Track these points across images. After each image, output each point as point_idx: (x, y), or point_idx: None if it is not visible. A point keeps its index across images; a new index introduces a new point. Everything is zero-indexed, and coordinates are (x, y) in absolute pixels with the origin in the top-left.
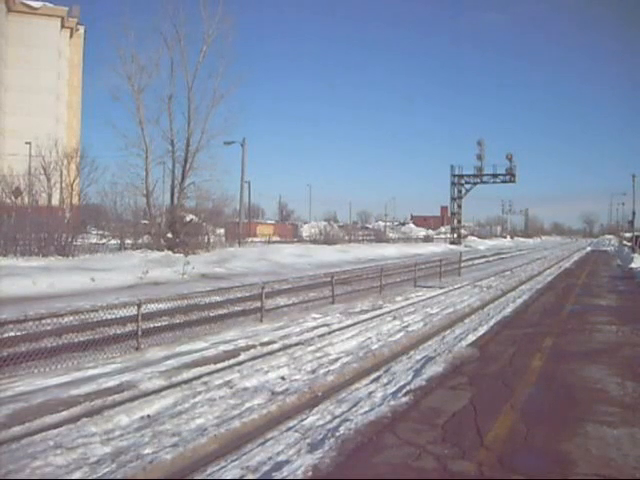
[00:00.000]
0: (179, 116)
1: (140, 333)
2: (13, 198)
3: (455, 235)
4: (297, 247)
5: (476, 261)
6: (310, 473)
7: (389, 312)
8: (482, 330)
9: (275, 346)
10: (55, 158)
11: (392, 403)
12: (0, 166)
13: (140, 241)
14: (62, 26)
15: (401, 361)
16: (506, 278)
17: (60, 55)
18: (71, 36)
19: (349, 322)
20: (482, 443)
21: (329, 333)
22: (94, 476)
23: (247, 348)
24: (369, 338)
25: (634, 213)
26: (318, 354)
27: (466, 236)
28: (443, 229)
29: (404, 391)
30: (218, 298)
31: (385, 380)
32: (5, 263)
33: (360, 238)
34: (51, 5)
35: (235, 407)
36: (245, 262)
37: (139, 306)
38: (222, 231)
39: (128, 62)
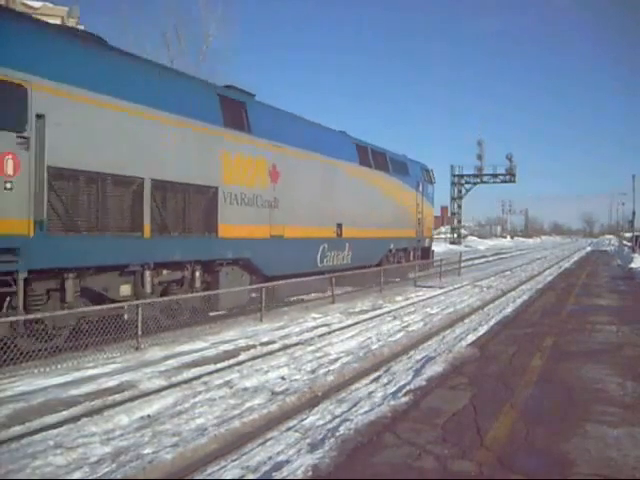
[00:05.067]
0: None
1: (140, 333)
2: None
3: (455, 235)
4: None
5: (476, 261)
6: (310, 473)
7: (389, 312)
8: (482, 330)
9: (275, 346)
10: None
11: (392, 403)
12: None
13: None
14: None
15: (401, 361)
16: (506, 278)
17: None
18: None
19: (349, 322)
20: (482, 443)
21: (329, 333)
22: (94, 476)
23: (247, 348)
24: (369, 338)
25: (634, 213)
26: (318, 354)
27: (466, 236)
28: (443, 229)
29: (404, 391)
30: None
31: (385, 380)
32: None
33: None
34: (51, 5)
35: (235, 407)
36: None
37: (138, 306)
38: None
39: None
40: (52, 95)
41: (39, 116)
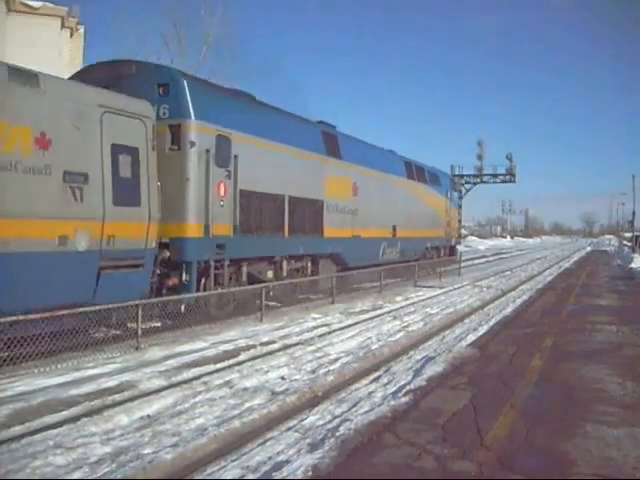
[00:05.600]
0: None
1: (140, 333)
2: None
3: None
4: None
5: (476, 261)
6: (310, 473)
7: (389, 312)
8: (482, 330)
9: (275, 346)
10: None
11: (392, 403)
12: None
13: None
14: (62, 26)
15: (401, 361)
16: (506, 278)
17: (60, 55)
18: (71, 36)
19: (349, 322)
20: (482, 443)
21: (329, 333)
22: (94, 476)
23: (247, 348)
24: (369, 338)
25: (634, 213)
26: (318, 354)
27: (466, 236)
28: None
29: (404, 391)
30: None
31: (385, 380)
32: None
33: None
34: (51, 5)
35: (235, 407)
36: None
37: (138, 306)
38: None
39: None
40: (240, 142)
41: (235, 156)
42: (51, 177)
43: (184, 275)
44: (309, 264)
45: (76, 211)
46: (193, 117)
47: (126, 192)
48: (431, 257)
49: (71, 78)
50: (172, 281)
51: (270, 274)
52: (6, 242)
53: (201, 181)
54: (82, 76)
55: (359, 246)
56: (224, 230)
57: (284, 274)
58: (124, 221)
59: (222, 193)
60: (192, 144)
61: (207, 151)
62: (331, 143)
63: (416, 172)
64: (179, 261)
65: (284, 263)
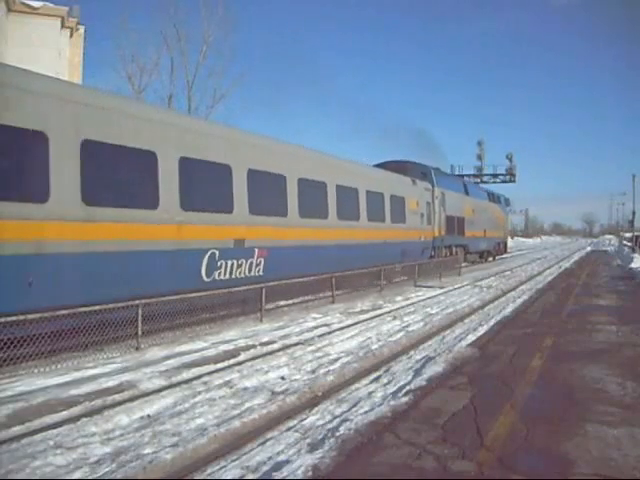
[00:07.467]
0: None
1: (140, 333)
2: None
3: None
4: None
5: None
6: (310, 473)
7: (389, 312)
8: (482, 330)
9: (275, 346)
10: None
11: (392, 403)
12: None
13: None
14: (62, 26)
15: (401, 361)
16: (506, 278)
17: (60, 55)
18: (71, 36)
19: (349, 322)
20: (482, 443)
21: (329, 333)
22: (94, 476)
23: (247, 348)
24: (369, 338)
25: (634, 213)
26: (318, 354)
27: None
28: None
29: (404, 391)
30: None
31: (385, 380)
32: None
33: None
34: (51, 5)
35: (235, 407)
36: None
37: (138, 306)
38: None
39: (128, 62)
40: (446, 194)
41: (444, 200)
42: (418, 215)
43: (433, 252)
44: (456, 249)
45: (422, 227)
46: (436, 186)
47: (427, 219)
48: (497, 249)
49: (376, 165)
50: (430, 254)
51: (446, 254)
52: (401, 239)
53: (437, 212)
54: (382, 165)
55: (473, 241)
56: (442, 232)
57: (452, 253)
58: (428, 231)
59: (442, 217)
60: (436, 197)
61: (439, 200)
62: (465, 186)
63: (491, 196)
64: (431, 246)
65: (453, 248)
